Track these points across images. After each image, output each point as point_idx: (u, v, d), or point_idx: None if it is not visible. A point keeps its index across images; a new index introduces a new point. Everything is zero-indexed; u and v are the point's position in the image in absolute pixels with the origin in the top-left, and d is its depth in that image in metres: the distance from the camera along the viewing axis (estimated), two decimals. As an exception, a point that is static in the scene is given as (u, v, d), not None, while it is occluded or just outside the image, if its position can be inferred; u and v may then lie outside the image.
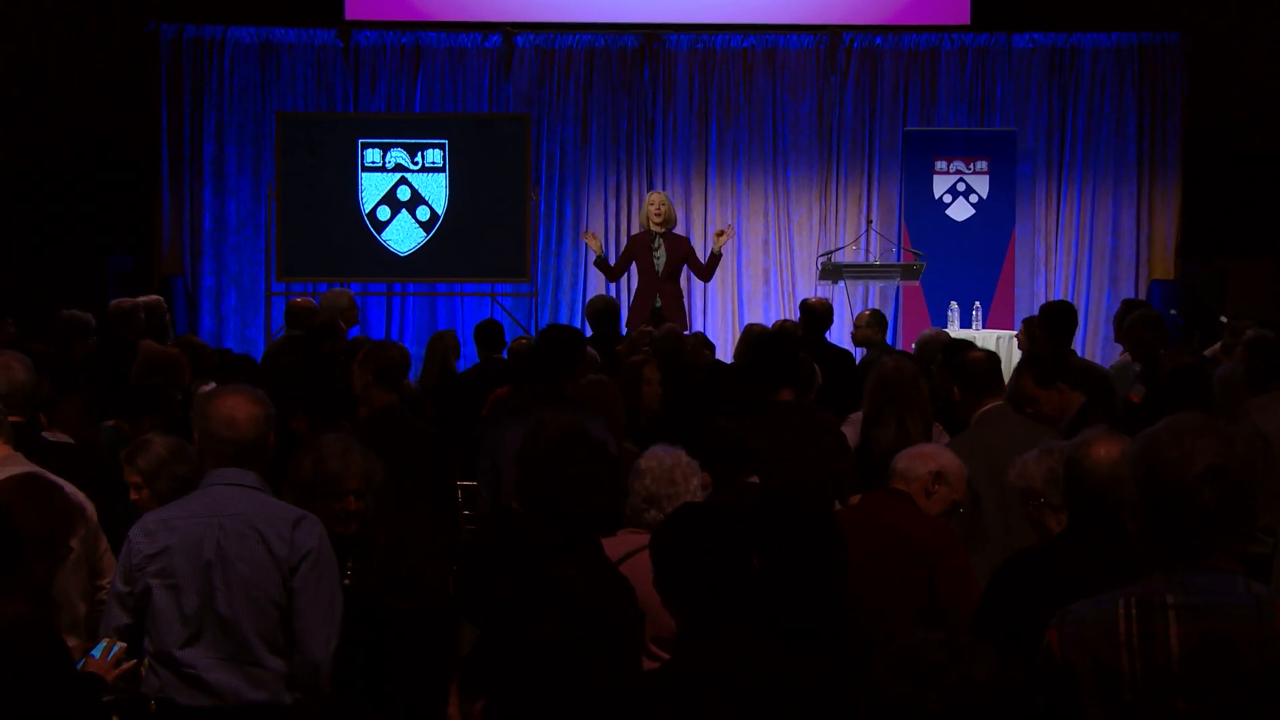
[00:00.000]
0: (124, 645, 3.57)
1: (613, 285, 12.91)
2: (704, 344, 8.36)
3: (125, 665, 3.58)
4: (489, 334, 8.61)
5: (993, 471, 4.86)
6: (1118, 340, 7.53)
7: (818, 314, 8.84)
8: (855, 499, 5.20)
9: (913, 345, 8.80)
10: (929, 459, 4.48)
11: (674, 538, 3.11)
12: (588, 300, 9.51)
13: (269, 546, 3.50)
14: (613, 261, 11.49)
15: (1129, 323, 7.53)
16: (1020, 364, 5.95)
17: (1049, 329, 7.44)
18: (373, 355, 5.46)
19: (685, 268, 10.86)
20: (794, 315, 13.40)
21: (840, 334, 12.00)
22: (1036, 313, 13.56)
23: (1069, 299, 13.41)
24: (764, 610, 3.11)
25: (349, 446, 3.95)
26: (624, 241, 13.07)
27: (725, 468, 4.60)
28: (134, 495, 4.39)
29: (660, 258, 10.39)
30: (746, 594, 3.02)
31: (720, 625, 2.94)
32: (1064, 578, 3.26)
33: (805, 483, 5.07)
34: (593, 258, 11.06)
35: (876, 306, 13.56)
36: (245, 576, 3.48)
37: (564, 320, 13.46)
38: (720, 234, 10.89)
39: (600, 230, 13.69)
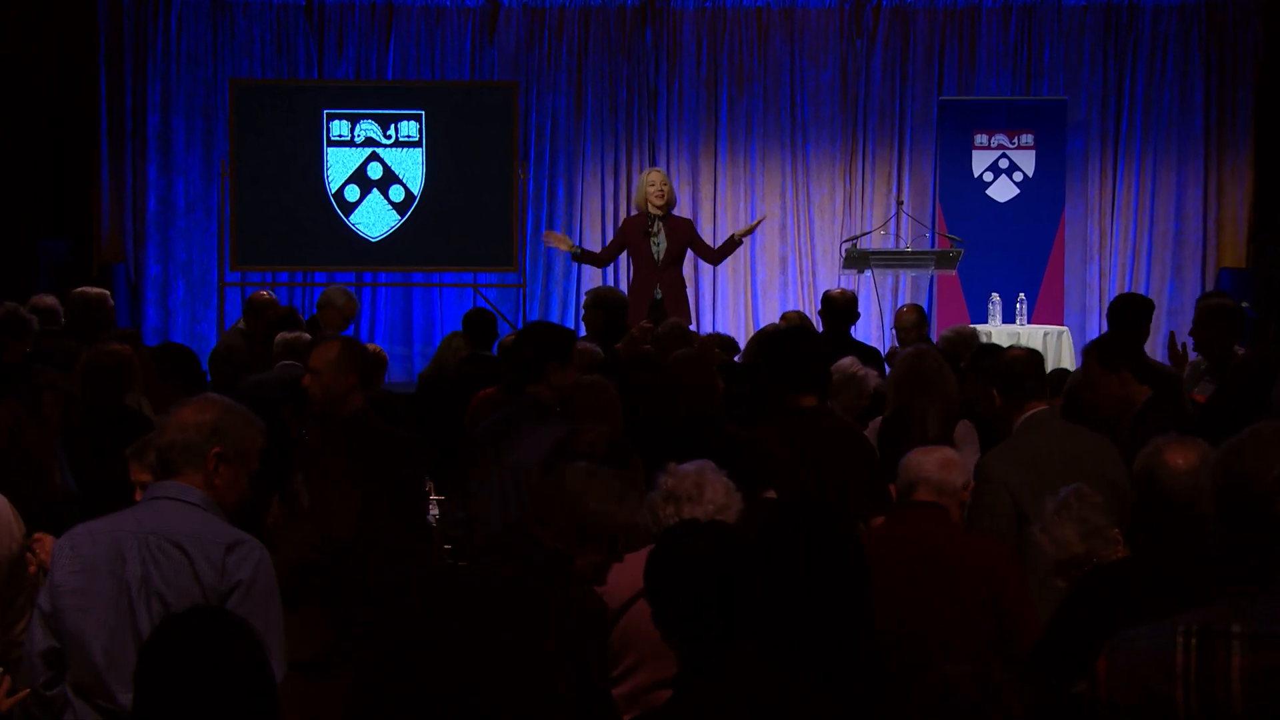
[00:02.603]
0: (5, 672, 3.61)
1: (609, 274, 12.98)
2: (718, 343, 8.35)
3: (18, 695, 3.62)
4: (477, 326, 8.62)
5: (1043, 483, 4.93)
6: (1192, 334, 7.56)
7: (839, 307, 8.85)
8: (878, 520, 5.27)
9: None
10: (960, 467, 4.56)
11: (664, 560, 3.20)
12: (589, 290, 9.51)
13: (196, 572, 3.52)
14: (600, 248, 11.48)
15: (1195, 313, 7.56)
16: (1087, 346, 6.07)
17: (1113, 324, 7.48)
18: None
19: (689, 253, 10.90)
20: (814, 308, 13.49)
21: (865, 330, 12.05)
22: (1087, 305, 13.71)
23: (1126, 289, 13.46)
24: (776, 638, 3.20)
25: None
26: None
27: (740, 482, 4.66)
28: (140, 497, 4.50)
29: (660, 244, 10.42)
30: (751, 621, 3.10)
31: (722, 657, 3.02)
32: (1139, 602, 3.33)
33: (819, 494, 5.17)
34: (568, 255, 11.04)
35: (909, 299, 13.63)
36: (168, 604, 3.49)
37: (556, 314, 13.52)
38: (747, 229, 10.91)
39: (597, 212, 13.74)
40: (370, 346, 8.46)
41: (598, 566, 3.72)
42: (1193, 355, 7.42)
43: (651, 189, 10.39)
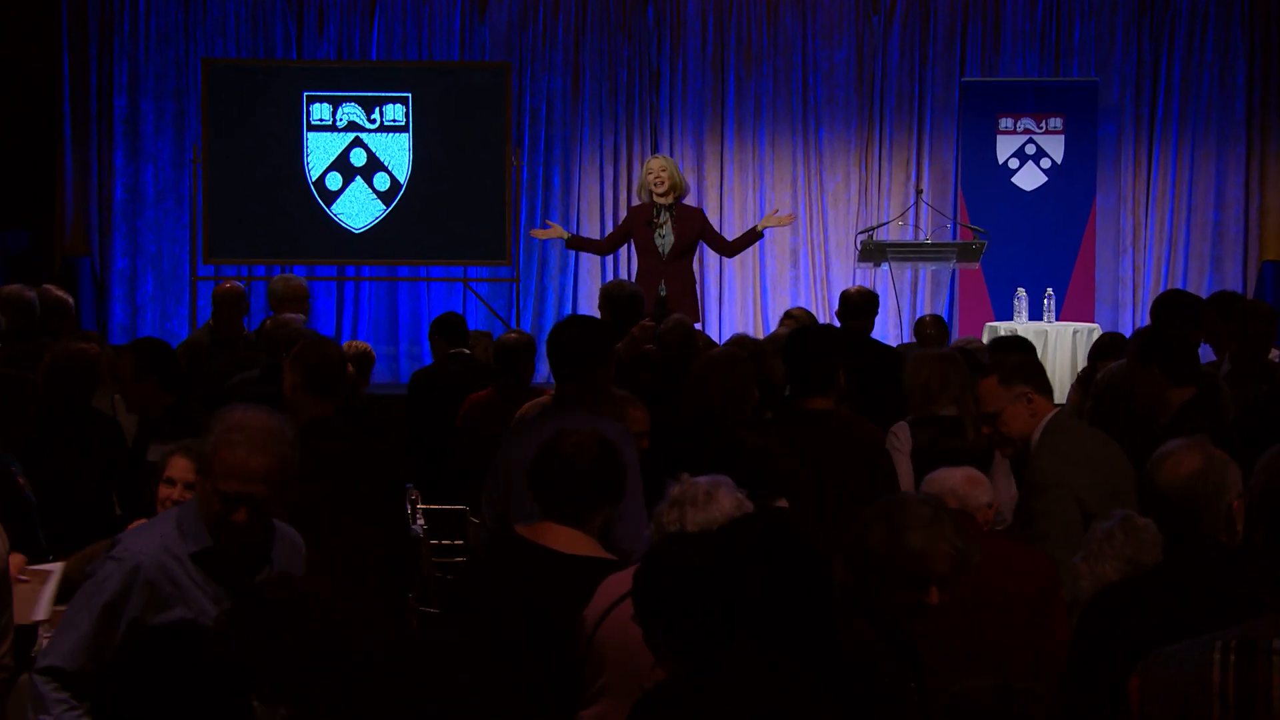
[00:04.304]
0: None
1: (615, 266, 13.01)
2: (738, 345, 8.39)
3: None
4: (450, 328, 8.73)
5: (1103, 483, 5.05)
6: (1206, 340, 7.59)
7: (853, 304, 8.94)
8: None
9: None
10: (987, 487, 4.59)
11: (653, 573, 3.28)
12: (608, 283, 9.51)
13: None
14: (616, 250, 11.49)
15: (1238, 313, 7.58)
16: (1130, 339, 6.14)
17: (1155, 323, 7.52)
18: (303, 355, 5.52)
19: (701, 246, 10.94)
20: (827, 304, 13.51)
21: (882, 328, 12.07)
22: (1120, 300, 13.73)
23: (1161, 284, 13.49)
24: (773, 640, 3.28)
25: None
26: (621, 215, 13.14)
27: (749, 490, 4.70)
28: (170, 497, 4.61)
29: (666, 235, 10.45)
30: (747, 626, 3.19)
31: (719, 659, 3.12)
32: (1159, 616, 3.39)
33: (822, 501, 5.22)
34: (562, 243, 11.09)
35: (928, 294, 13.66)
36: None
37: (552, 310, 13.55)
38: (774, 215, 10.91)
39: (595, 202, 13.76)
40: (358, 344, 8.52)
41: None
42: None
43: (650, 177, 10.38)
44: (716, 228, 12.80)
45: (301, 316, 8.30)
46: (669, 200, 10.38)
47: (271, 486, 3.73)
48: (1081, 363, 11.72)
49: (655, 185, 10.33)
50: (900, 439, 6.03)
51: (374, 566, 5.22)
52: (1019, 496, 5.35)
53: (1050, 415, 5.33)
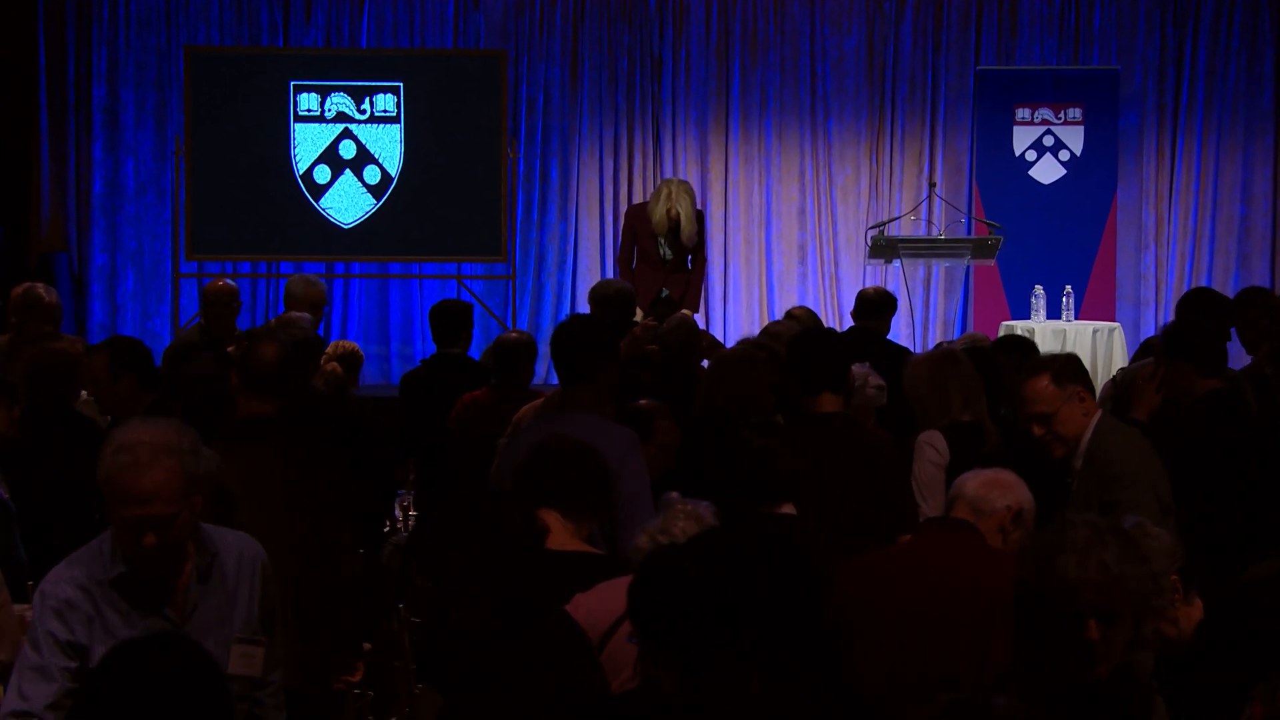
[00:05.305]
0: None
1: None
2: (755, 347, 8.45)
3: None
4: (448, 317, 8.68)
5: (1165, 482, 5.19)
6: (1240, 338, 7.64)
7: (870, 304, 9.00)
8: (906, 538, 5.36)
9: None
10: (1008, 490, 4.60)
11: (650, 581, 3.35)
12: (595, 284, 9.59)
13: None
14: (615, 246, 11.53)
15: (1271, 310, 7.63)
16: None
17: (1184, 318, 7.60)
18: (240, 353, 5.54)
19: (705, 245, 11.02)
20: (836, 302, 13.56)
21: (894, 327, 12.12)
22: (1141, 298, 13.77)
23: (1185, 281, 13.51)
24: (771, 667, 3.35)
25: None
26: (621, 210, 13.18)
27: (752, 496, 4.75)
28: None
29: (665, 247, 10.58)
30: (752, 650, 3.26)
31: (714, 662, 3.20)
32: None
33: (825, 507, 5.28)
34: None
35: (942, 292, 13.70)
36: None
37: (549, 309, 13.59)
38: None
39: (594, 195, 13.78)
40: (346, 344, 8.56)
41: None
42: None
43: (661, 224, 10.49)
44: (719, 223, 12.89)
45: (309, 316, 8.33)
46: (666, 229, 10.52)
47: (174, 501, 3.55)
48: (1101, 363, 11.78)
49: (663, 221, 10.45)
50: (938, 450, 6.01)
51: (318, 561, 5.21)
52: (1078, 491, 5.38)
53: (1099, 415, 5.43)
